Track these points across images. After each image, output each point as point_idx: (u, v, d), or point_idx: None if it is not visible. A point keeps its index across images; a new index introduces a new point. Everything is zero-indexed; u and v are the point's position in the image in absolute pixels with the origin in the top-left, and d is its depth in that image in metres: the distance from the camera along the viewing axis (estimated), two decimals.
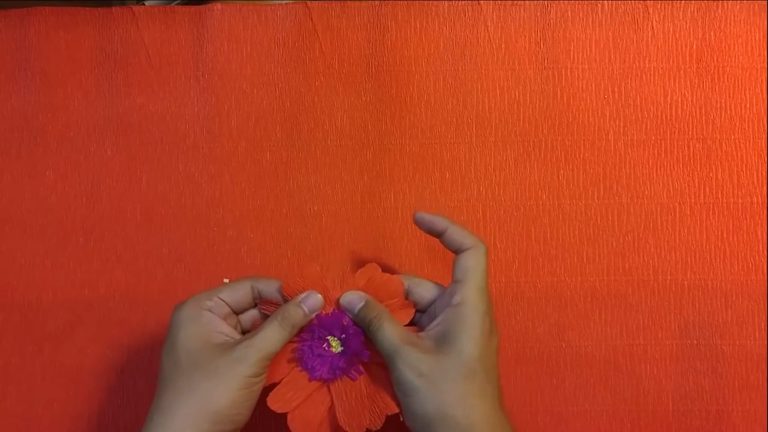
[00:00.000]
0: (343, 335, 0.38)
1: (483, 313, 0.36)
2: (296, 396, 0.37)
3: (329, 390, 0.38)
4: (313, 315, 0.38)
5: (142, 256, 0.46)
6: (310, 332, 0.38)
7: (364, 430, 0.37)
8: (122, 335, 0.46)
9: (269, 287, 0.39)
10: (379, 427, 0.37)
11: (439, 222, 0.39)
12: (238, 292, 0.39)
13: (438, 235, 0.39)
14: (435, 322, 0.37)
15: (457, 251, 0.38)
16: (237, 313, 0.39)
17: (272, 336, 0.37)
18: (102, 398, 0.45)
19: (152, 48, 0.47)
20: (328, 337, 0.38)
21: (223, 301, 0.38)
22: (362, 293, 0.38)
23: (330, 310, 0.38)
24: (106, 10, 0.48)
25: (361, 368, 0.38)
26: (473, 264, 0.37)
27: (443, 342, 0.36)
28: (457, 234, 0.38)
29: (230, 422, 0.36)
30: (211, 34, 0.47)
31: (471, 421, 0.34)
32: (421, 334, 0.37)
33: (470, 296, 0.37)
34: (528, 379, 0.45)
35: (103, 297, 0.46)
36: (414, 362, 0.35)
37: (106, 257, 0.46)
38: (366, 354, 0.37)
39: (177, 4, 0.53)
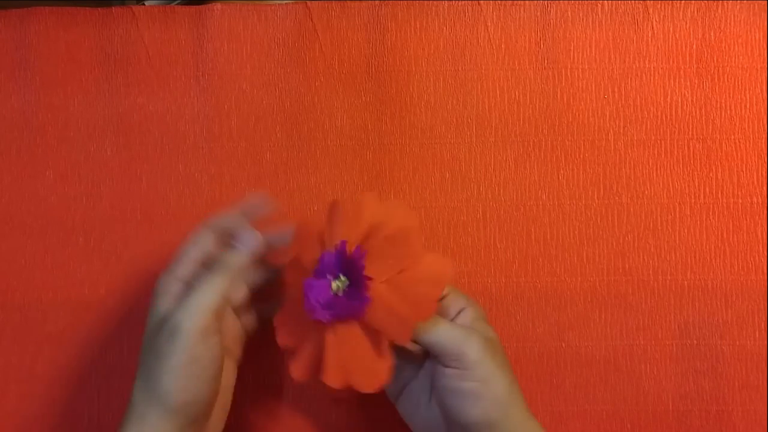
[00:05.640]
0: (343, 277, 0.34)
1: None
2: (295, 333, 0.35)
3: (328, 333, 0.33)
4: (249, 251, 0.37)
5: (142, 256, 0.46)
6: (317, 273, 0.34)
7: (346, 385, 0.33)
8: (122, 335, 0.46)
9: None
10: (378, 388, 0.34)
11: None
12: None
13: None
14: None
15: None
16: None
17: (207, 286, 0.34)
18: (102, 398, 0.45)
19: (152, 48, 0.47)
20: (329, 277, 0.34)
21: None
22: None
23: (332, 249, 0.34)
24: (106, 10, 0.48)
25: (362, 312, 0.33)
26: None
27: None
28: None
29: (185, 415, 0.33)
30: (211, 34, 0.47)
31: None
32: None
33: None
34: (528, 379, 0.45)
35: (103, 297, 0.46)
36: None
37: (106, 257, 0.46)
38: (363, 301, 0.33)
39: (177, 4, 0.53)
